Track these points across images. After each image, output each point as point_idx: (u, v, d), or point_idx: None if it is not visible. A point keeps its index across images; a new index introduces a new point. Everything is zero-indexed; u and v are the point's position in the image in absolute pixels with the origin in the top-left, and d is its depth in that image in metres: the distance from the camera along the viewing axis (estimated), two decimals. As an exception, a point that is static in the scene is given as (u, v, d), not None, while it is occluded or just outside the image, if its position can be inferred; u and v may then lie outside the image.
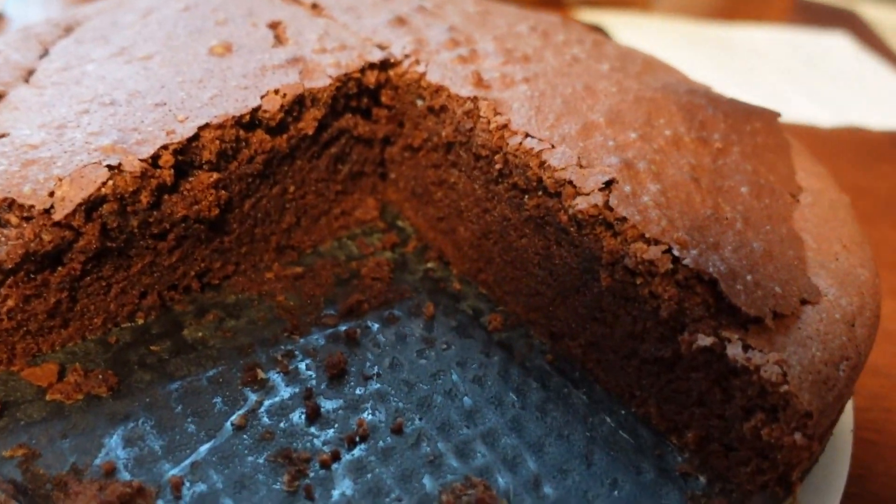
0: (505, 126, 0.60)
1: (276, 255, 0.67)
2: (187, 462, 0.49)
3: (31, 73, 0.67)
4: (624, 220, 0.53)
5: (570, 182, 0.56)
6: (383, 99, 0.69)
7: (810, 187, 0.66)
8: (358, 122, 0.69)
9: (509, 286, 0.65)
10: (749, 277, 0.52)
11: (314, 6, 0.78)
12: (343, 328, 0.61)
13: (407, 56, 0.69)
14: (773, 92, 1.41)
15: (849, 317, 0.53)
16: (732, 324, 0.51)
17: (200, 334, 0.59)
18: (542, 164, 0.58)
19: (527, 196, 0.60)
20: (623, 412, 0.58)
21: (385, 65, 0.68)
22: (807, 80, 1.50)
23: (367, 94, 0.68)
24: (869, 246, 0.63)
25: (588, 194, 0.55)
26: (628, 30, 1.55)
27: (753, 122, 0.71)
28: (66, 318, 0.56)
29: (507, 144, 0.60)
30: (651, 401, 0.57)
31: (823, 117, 1.36)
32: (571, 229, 0.57)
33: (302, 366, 0.58)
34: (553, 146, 0.58)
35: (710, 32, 1.67)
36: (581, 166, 0.57)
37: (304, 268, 0.67)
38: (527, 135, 0.60)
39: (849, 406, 0.60)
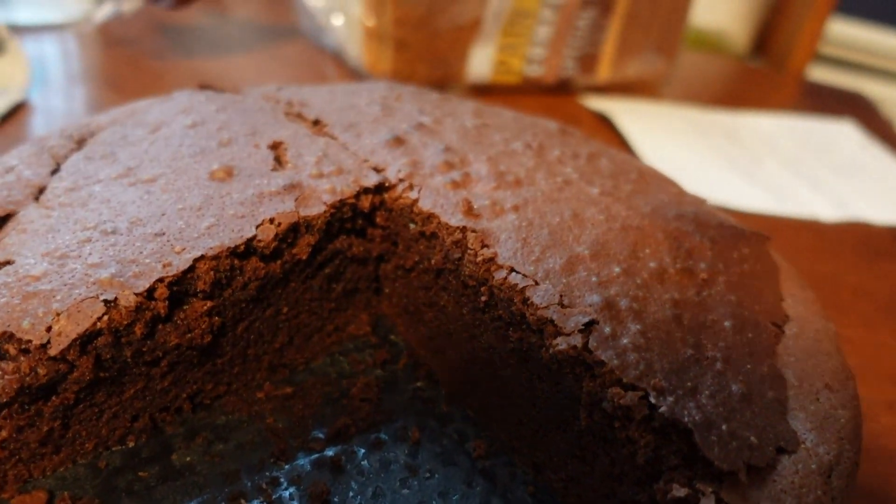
0: (491, 259, 0.62)
1: (267, 374, 0.69)
2: None
3: (41, 190, 0.70)
4: (602, 363, 0.54)
5: (552, 321, 0.57)
6: (378, 220, 0.72)
7: (797, 315, 0.67)
8: (352, 243, 0.71)
9: (495, 412, 0.66)
10: (724, 427, 0.52)
11: (316, 122, 0.81)
12: (330, 453, 0.62)
13: (402, 180, 0.71)
14: (777, 184, 1.42)
15: (825, 467, 0.54)
16: (707, 475, 0.51)
17: (189, 459, 0.60)
18: (525, 301, 0.59)
19: (511, 329, 0.61)
20: (602, 551, 0.58)
21: (380, 188, 0.70)
22: (811, 171, 1.52)
23: (362, 216, 0.71)
24: (853, 380, 0.64)
25: (569, 335, 0.56)
26: (635, 118, 1.58)
27: (741, 247, 0.72)
28: (57, 445, 0.57)
29: (493, 278, 0.61)
30: (630, 542, 0.57)
31: (826, 210, 1.37)
32: (553, 367, 0.58)
33: (286, 494, 0.59)
34: (537, 283, 0.60)
35: (716, 120, 1.70)
36: (563, 305, 0.58)
37: (295, 387, 0.68)
38: (512, 269, 0.61)
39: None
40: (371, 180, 0.70)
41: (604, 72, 1.71)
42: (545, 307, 0.58)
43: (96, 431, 0.59)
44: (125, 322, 0.55)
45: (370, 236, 0.72)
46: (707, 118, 1.70)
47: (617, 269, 0.63)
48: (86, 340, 0.54)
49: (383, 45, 1.46)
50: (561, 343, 0.56)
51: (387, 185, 0.71)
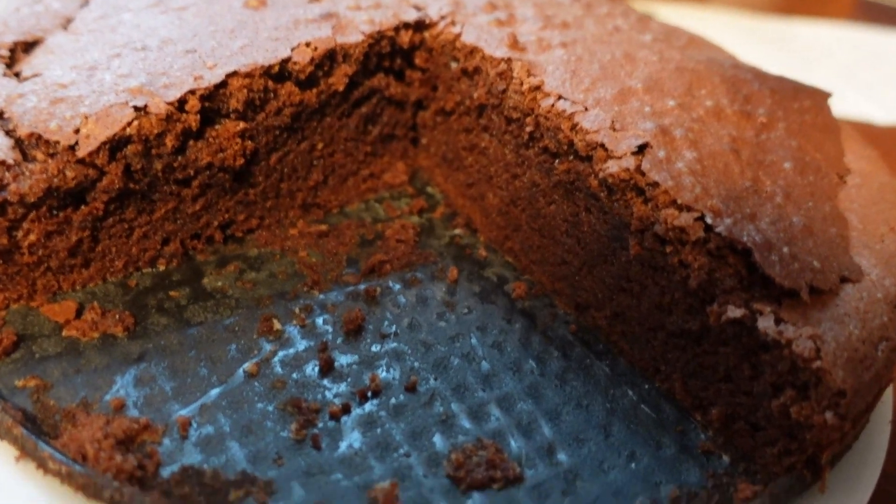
0: (538, 88, 0.59)
1: (301, 212, 0.67)
2: (196, 404, 0.49)
3: (69, 21, 0.67)
4: (656, 185, 0.51)
5: (602, 145, 0.54)
6: (417, 61, 0.68)
7: (859, 170, 0.63)
8: (390, 83, 0.68)
9: (535, 255, 0.64)
10: (786, 249, 0.49)
11: (353, -33, 0.77)
12: (363, 287, 0.60)
13: (443, 17, 0.67)
14: (830, 88, 1.36)
15: (892, 297, 0.51)
16: (765, 296, 0.48)
17: (220, 283, 0.59)
18: (573, 127, 0.56)
19: (557, 160, 0.58)
20: (646, 386, 0.56)
21: (420, 25, 0.67)
22: (865, 79, 1.45)
23: (401, 56, 0.67)
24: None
25: (620, 158, 0.53)
26: (682, 20, 1.51)
27: (802, 100, 0.68)
28: (87, 258, 0.56)
29: (539, 106, 0.58)
30: (676, 375, 0.55)
31: (879, 115, 1.30)
32: (601, 195, 0.55)
33: (319, 320, 0.57)
34: (586, 109, 0.57)
35: (767, 26, 1.62)
36: (614, 129, 0.55)
37: (329, 226, 0.66)
38: (560, 97, 0.58)
39: (888, 394, 0.57)
40: (411, 16, 0.67)
41: (650, -25, 1.63)
42: (595, 131, 0.55)
43: (126, 249, 0.57)
44: (155, 131, 0.53)
45: (409, 79, 0.69)
46: (757, 24, 1.62)
47: (671, 103, 0.59)
48: (115, 146, 0.52)
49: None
50: (612, 166, 0.53)
51: (427, 22, 0.67)
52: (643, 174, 0.52)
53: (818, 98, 0.69)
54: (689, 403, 0.54)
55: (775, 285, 0.48)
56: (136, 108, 0.52)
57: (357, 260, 0.63)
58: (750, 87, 0.66)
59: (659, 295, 0.54)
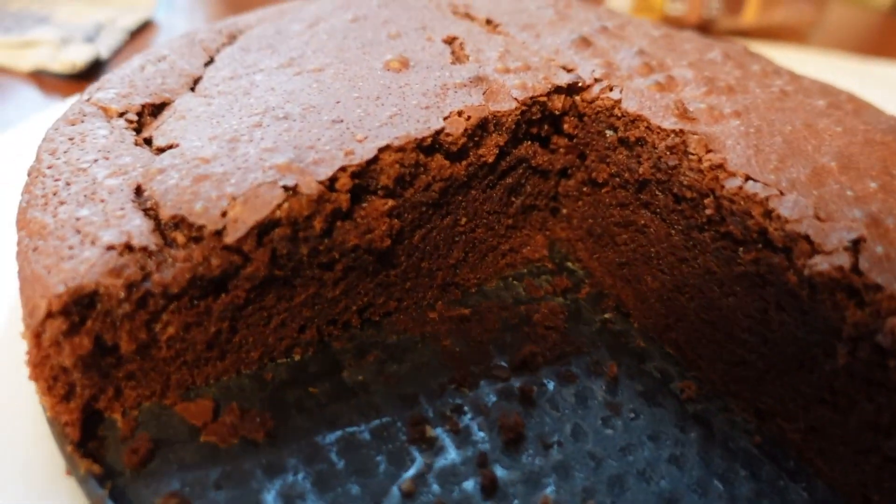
0: (720, 166, 0.52)
1: (439, 293, 0.61)
2: (352, 532, 0.43)
3: (197, 80, 0.63)
4: (878, 287, 0.44)
5: (807, 237, 0.47)
6: (566, 127, 0.62)
7: None
8: (537, 151, 0.62)
9: (706, 350, 0.57)
10: None
11: (488, 22, 0.72)
12: (517, 384, 0.54)
13: (598, 80, 0.62)
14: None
15: None
16: None
17: (361, 377, 0.53)
18: (768, 213, 0.49)
19: (742, 249, 0.52)
20: (854, 517, 0.48)
21: (573, 89, 0.61)
22: None
23: (549, 121, 0.62)
24: None
25: (830, 253, 0.46)
26: (785, 63, 1.43)
27: None
28: (223, 350, 0.51)
29: (723, 188, 0.51)
30: (895, 509, 0.47)
31: None
32: (802, 293, 0.48)
33: (473, 425, 0.51)
34: (782, 192, 0.50)
35: (872, 69, 1.53)
36: (819, 219, 0.48)
37: (471, 309, 0.60)
38: (748, 177, 0.51)
39: None
40: (563, 79, 0.61)
41: (750, 15, 1.56)
42: (797, 220, 0.48)
43: (263, 339, 0.52)
44: (305, 213, 0.47)
45: (555, 146, 0.63)
46: (861, 67, 1.53)
47: (873, 185, 0.52)
48: (263, 230, 0.47)
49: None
50: (822, 263, 0.46)
51: (581, 85, 0.61)
52: (861, 274, 0.45)
53: None
54: (912, 544, 0.46)
55: None
56: (286, 189, 0.47)
57: (503, 349, 0.57)
58: (945, 161, 0.58)
59: (874, 413, 0.47)
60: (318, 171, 0.49)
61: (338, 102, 0.56)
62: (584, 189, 0.65)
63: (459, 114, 0.55)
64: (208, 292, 0.48)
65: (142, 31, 1.16)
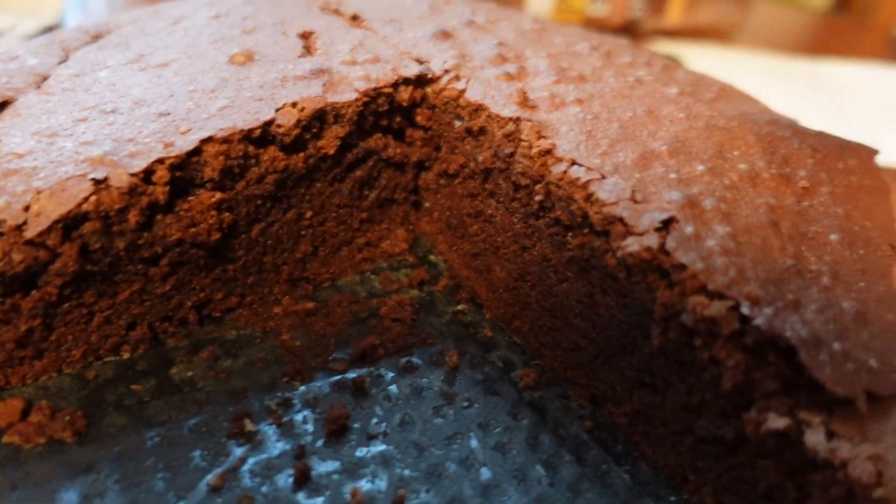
0: (549, 151, 0.52)
1: (287, 288, 0.60)
2: (147, 527, 0.42)
3: (45, 79, 0.62)
4: (683, 267, 0.44)
5: (621, 219, 0.47)
6: (418, 119, 0.62)
7: (915, 238, 0.55)
8: (388, 144, 0.61)
9: (547, 337, 0.57)
10: (837, 346, 0.42)
11: (354, 17, 0.72)
12: (352, 376, 0.53)
13: (447, 71, 0.61)
14: (866, 131, 1.28)
15: (967, 403, 0.43)
16: (813, 403, 0.41)
17: (190, 374, 0.52)
18: (588, 197, 0.49)
19: (570, 234, 0.52)
20: (673, 499, 0.48)
21: (421, 80, 0.61)
22: (905, 121, 1.36)
23: (401, 113, 0.61)
24: None
25: (641, 234, 0.46)
26: (708, 62, 1.45)
27: (846, 158, 0.60)
28: (39, 349, 0.50)
29: (550, 173, 0.51)
30: (708, 489, 0.47)
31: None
32: (620, 275, 0.48)
33: (299, 417, 0.50)
34: (603, 176, 0.50)
35: (796, 67, 1.55)
36: (635, 201, 0.48)
37: (318, 303, 0.60)
38: (573, 162, 0.51)
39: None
40: (412, 70, 0.61)
41: (674, 15, 1.57)
42: (613, 202, 0.48)
43: (85, 337, 0.51)
44: (117, 206, 0.47)
45: (410, 138, 0.63)
46: (786, 65, 1.55)
47: (701, 168, 0.52)
48: (70, 224, 0.46)
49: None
50: (632, 244, 0.46)
51: (430, 76, 0.61)
52: (668, 254, 0.45)
53: (864, 155, 0.62)
54: (724, 523, 0.46)
55: (826, 391, 0.40)
56: (96, 181, 0.46)
57: (347, 342, 0.56)
58: (788, 145, 0.59)
59: (687, 394, 0.47)
60: (132, 164, 0.48)
61: (171, 96, 0.55)
62: (441, 181, 0.64)
63: (294, 105, 0.54)
64: (15, 289, 0.47)
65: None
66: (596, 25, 1.51)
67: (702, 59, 1.47)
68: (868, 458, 0.38)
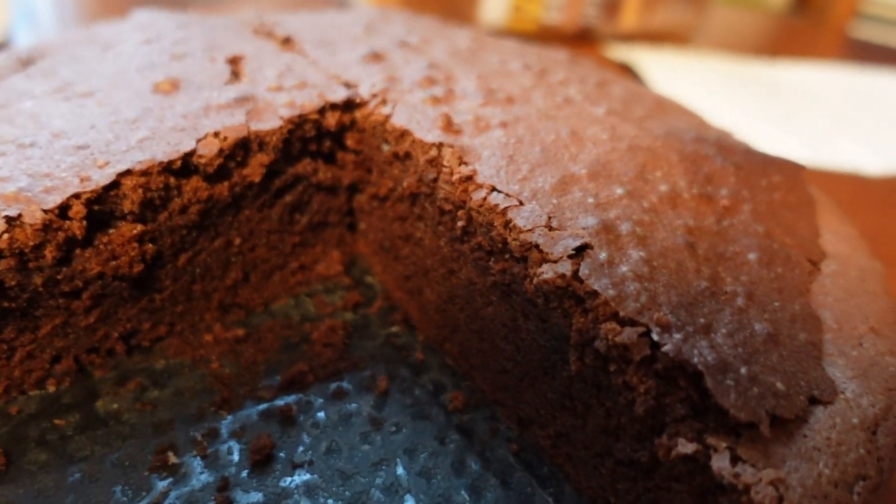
0: (469, 178, 0.53)
1: (219, 315, 0.61)
2: (62, 569, 0.42)
3: (-29, 109, 0.62)
4: (595, 294, 0.45)
5: (537, 246, 0.48)
6: (349, 143, 0.62)
7: (837, 253, 0.57)
8: (318, 168, 0.62)
9: (476, 359, 0.57)
10: (744, 370, 0.42)
11: (286, 41, 0.72)
12: (280, 403, 0.54)
13: (374, 95, 0.62)
14: (818, 135, 1.30)
15: (870, 421, 0.44)
16: (721, 428, 0.42)
17: (115, 406, 0.52)
18: (507, 224, 0.50)
19: (492, 259, 0.52)
20: (595, 521, 0.49)
21: (349, 105, 0.61)
22: (857, 123, 1.38)
23: (330, 138, 0.61)
24: (904, 326, 0.53)
25: (556, 261, 0.47)
26: (662, 67, 1.46)
27: (771, 175, 0.61)
28: (-42, 386, 0.49)
29: (471, 199, 0.52)
30: (627, 510, 0.48)
31: (873, 163, 1.24)
32: (538, 301, 0.48)
33: (224, 448, 0.50)
34: (521, 203, 0.50)
35: (751, 70, 1.57)
36: (551, 228, 0.49)
37: (248, 329, 0.60)
38: (493, 189, 0.52)
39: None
40: (339, 95, 0.61)
41: (628, 20, 1.59)
42: (530, 230, 0.49)
43: (7, 372, 0.51)
44: (31, 243, 0.47)
45: (341, 162, 0.63)
46: (741, 68, 1.57)
47: (620, 191, 0.53)
48: (-17, 263, 0.46)
49: (389, -14, 1.36)
50: (547, 271, 0.46)
51: (357, 101, 0.61)
52: (581, 281, 0.45)
53: (790, 171, 0.63)
54: (642, 544, 0.47)
55: (731, 415, 0.41)
56: (9, 220, 0.46)
57: (277, 368, 0.56)
58: (712, 164, 0.60)
59: (604, 417, 0.47)
60: (46, 199, 0.48)
61: (91, 127, 0.55)
62: (374, 203, 0.65)
63: (216, 135, 0.54)
64: (-71, 328, 0.46)
65: (-8, 55, 1.13)
66: (551, 33, 1.52)
67: (657, 63, 1.49)
68: (770, 482, 0.39)
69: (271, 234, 0.61)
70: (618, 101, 0.69)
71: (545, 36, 1.51)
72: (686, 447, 0.41)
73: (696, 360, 0.42)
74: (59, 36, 0.77)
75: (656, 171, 0.57)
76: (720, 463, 0.40)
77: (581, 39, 1.56)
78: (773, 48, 1.82)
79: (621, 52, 1.52)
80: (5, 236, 0.46)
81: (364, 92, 0.62)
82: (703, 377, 0.41)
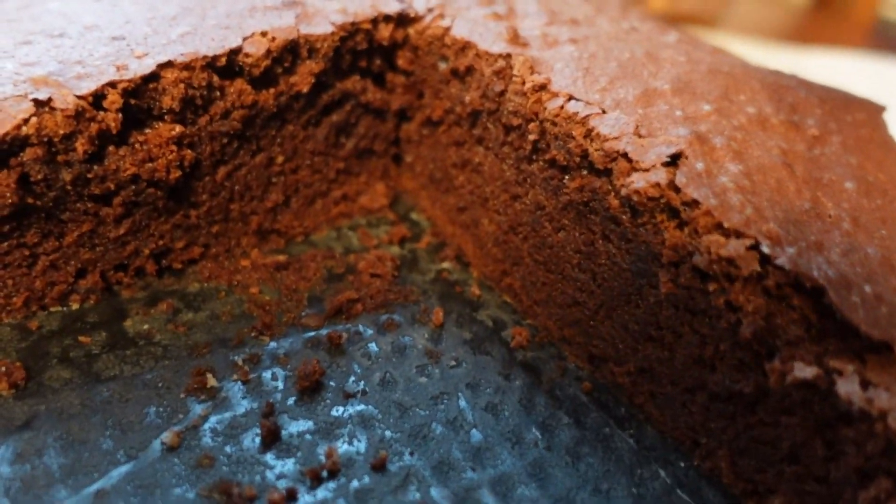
0: (543, 87, 0.48)
1: (256, 240, 0.55)
2: (90, 489, 0.37)
3: (-10, 12, 0.57)
4: (695, 203, 0.40)
5: (625, 154, 0.43)
6: (400, 63, 0.58)
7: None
8: (367, 87, 0.57)
9: (540, 294, 0.52)
10: (868, 289, 0.38)
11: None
12: (326, 332, 0.48)
13: (430, 10, 0.57)
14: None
15: None
16: (844, 351, 0.37)
17: (146, 327, 0.47)
18: (588, 133, 0.45)
19: (567, 176, 0.47)
20: (683, 465, 0.44)
21: (403, 19, 0.56)
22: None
23: (381, 55, 0.57)
24: None
25: (648, 170, 0.42)
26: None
27: (855, 112, 0.57)
28: (-28, 294, 0.44)
29: (545, 109, 0.47)
30: (723, 452, 0.43)
31: None
32: (623, 217, 0.43)
33: (267, 374, 0.45)
34: (604, 111, 0.46)
35: (778, 55, 1.53)
36: (640, 135, 0.44)
37: (290, 257, 0.55)
38: (571, 97, 0.47)
39: None
40: (393, 7, 0.56)
41: (658, 1, 1.55)
42: (616, 137, 0.44)
43: (28, 283, 0.46)
44: (62, 131, 0.41)
45: (390, 84, 0.58)
46: (770, 54, 1.53)
47: (707, 108, 0.48)
48: (7, 149, 0.40)
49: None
50: (638, 180, 0.42)
51: (412, 15, 0.56)
52: (678, 190, 0.41)
53: (872, 111, 0.59)
54: (739, 489, 0.42)
55: (858, 336, 0.36)
56: (38, 103, 0.41)
57: (322, 299, 0.51)
58: (795, 94, 0.55)
59: (699, 346, 0.42)
60: (79, 85, 0.43)
61: (126, 22, 0.50)
62: (424, 131, 0.60)
63: (264, 34, 0.49)
64: (-56, 223, 0.41)
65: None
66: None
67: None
68: (907, 407, 0.34)
69: (315, 155, 0.56)
70: (683, 37, 0.64)
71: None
72: (805, 371, 0.37)
73: (815, 273, 0.37)
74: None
75: (740, 94, 0.52)
76: (848, 387, 0.35)
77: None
78: (797, 37, 1.78)
79: (649, 29, 1.48)
80: (33, 120, 0.41)
81: (419, 6, 0.57)
82: (825, 292, 0.36)
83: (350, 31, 0.53)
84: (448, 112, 0.56)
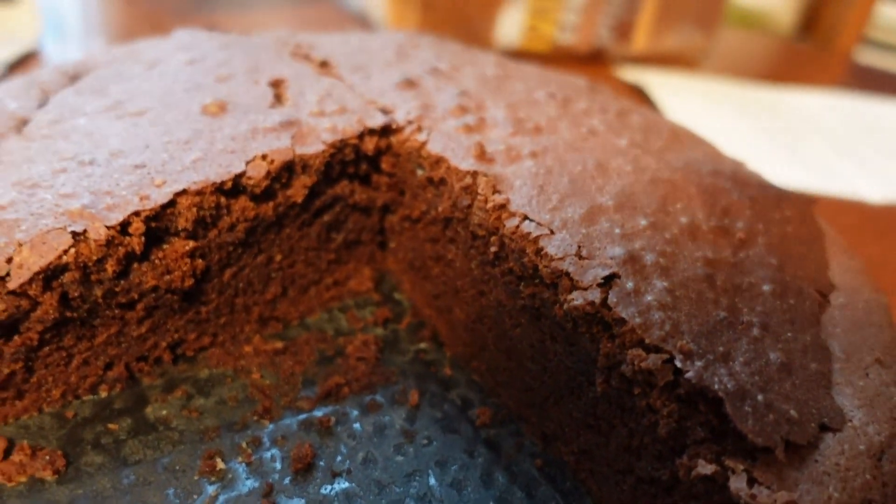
0: (503, 206, 0.56)
1: (258, 327, 0.64)
2: (123, 564, 0.45)
3: (25, 123, 0.65)
4: (622, 321, 0.48)
5: (567, 274, 0.51)
6: (384, 166, 0.66)
7: (844, 285, 0.60)
8: (355, 190, 0.65)
9: (502, 377, 0.60)
10: (760, 397, 0.46)
11: (323, 64, 0.75)
12: (318, 414, 0.57)
13: (410, 122, 0.65)
14: (820, 161, 1.33)
15: (875, 449, 0.47)
16: (739, 450, 0.45)
17: (164, 413, 0.55)
18: (538, 252, 0.53)
19: (522, 283, 0.55)
20: (616, 534, 0.52)
21: (386, 131, 0.64)
22: (858, 150, 1.42)
23: (367, 160, 0.65)
24: (907, 357, 0.56)
25: (586, 289, 0.50)
26: (672, 90, 1.50)
27: (784, 208, 0.65)
28: (20, 390, 0.52)
29: (504, 226, 0.55)
30: (647, 525, 0.51)
31: (873, 190, 1.28)
32: (567, 325, 0.52)
33: (268, 455, 0.53)
34: (552, 232, 0.54)
35: (757, 96, 1.61)
36: (581, 257, 0.52)
37: (286, 342, 0.63)
38: (525, 217, 0.55)
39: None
40: (377, 121, 0.64)
41: (640, 42, 1.63)
42: (561, 258, 0.52)
43: (65, 378, 0.54)
44: (95, 257, 0.50)
45: (375, 184, 0.66)
46: (748, 93, 1.60)
47: (643, 222, 0.56)
48: (50, 275, 0.49)
49: (408, 5, 1.40)
50: (577, 298, 0.50)
51: (394, 126, 0.65)
52: (609, 308, 0.49)
53: (802, 205, 0.66)
54: (662, 558, 0.50)
55: (748, 440, 0.44)
56: (75, 235, 0.49)
57: (314, 381, 0.60)
58: (729, 197, 0.63)
59: (627, 437, 0.50)
60: (109, 217, 0.51)
61: (146, 147, 0.58)
62: (405, 224, 0.68)
63: (263, 157, 0.57)
64: (-1, 335, 0.49)
65: (23, 63, 1.16)
66: (564, 53, 1.56)
67: (667, 86, 1.52)
68: None
69: (309, 251, 0.64)
70: (638, 132, 0.72)
71: (558, 56, 1.55)
72: (705, 468, 0.45)
73: (716, 386, 0.45)
74: (102, 52, 0.80)
75: (677, 203, 0.60)
76: (738, 484, 0.43)
77: (593, 60, 1.60)
78: (779, 73, 1.86)
79: (632, 74, 1.55)
80: (72, 251, 0.49)
81: (400, 118, 0.65)
82: (723, 403, 0.44)
83: (339, 147, 0.61)
84: (425, 213, 0.64)
